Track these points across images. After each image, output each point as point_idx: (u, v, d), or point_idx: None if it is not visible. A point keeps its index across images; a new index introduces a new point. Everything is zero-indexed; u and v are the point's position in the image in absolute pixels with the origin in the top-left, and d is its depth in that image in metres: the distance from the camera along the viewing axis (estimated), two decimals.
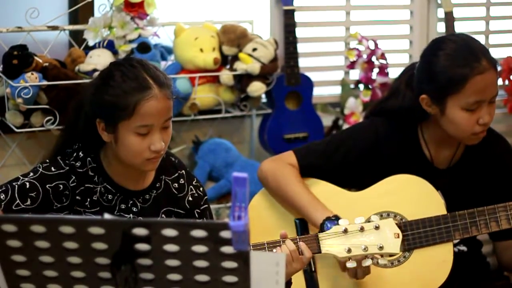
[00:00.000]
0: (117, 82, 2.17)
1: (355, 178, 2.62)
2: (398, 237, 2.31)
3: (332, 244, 2.32)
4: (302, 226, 2.53)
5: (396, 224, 2.35)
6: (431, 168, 2.62)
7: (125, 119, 2.16)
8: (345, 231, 2.31)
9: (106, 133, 2.22)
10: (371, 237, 2.30)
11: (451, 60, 2.45)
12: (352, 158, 2.60)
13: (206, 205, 2.42)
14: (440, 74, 2.46)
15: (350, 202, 2.55)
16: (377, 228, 2.30)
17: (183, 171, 2.41)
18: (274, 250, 2.31)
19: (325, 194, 2.55)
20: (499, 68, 2.53)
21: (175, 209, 2.36)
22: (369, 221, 2.33)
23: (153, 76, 2.19)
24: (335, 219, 2.41)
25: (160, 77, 2.20)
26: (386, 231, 2.31)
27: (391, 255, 2.45)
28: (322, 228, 2.41)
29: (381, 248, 2.29)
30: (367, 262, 2.32)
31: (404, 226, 2.52)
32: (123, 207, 2.31)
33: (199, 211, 2.39)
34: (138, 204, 2.32)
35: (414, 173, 2.56)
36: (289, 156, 2.63)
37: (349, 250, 2.29)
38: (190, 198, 2.39)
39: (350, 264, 2.31)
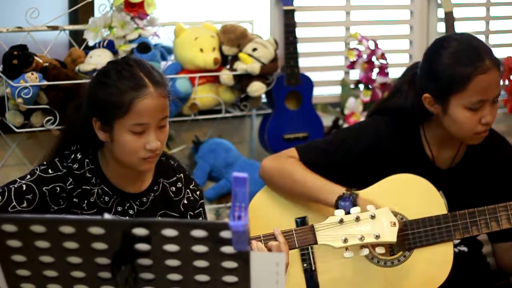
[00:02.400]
0: (113, 80, 2.18)
1: (356, 177, 2.62)
2: (395, 225, 2.31)
3: (328, 234, 2.32)
4: (303, 225, 2.53)
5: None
6: (433, 168, 2.62)
7: (120, 117, 2.16)
8: (341, 221, 2.31)
9: (102, 132, 2.23)
10: (367, 226, 2.30)
11: (454, 59, 2.46)
12: (353, 157, 2.60)
13: (201, 209, 2.41)
14: (443, 73, 2.47)
15: None
16: (373, 217, 2.31)
17: (182, 174, 2.40)
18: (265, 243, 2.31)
19: None
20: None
21: (171, 213, 2.36)
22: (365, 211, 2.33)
23: (148, 75, 2.19)
24: (347, 196, 2.42)
25: (155, 75, 2.20)
26: (382, 220, 2.31)
27: (389, 246, 2.45)
28: (337, 208, 2.41)
29: (377, 237, 2.29)
30: (364, 252, 2.32)
31: (405, 225, 2.52)
32: (119, 209, 2.30)
33: (192, 213, 2.39)
34: (135, 206, 2.32)
35: (415, 172, 2.56)
36: (291, 152, 2.64)
37: (345, 240, 2.29)
38: (186, 202, 2.38)
39: (347, 254, 2.31)
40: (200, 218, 2.41)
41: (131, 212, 2.31)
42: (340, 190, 2.47)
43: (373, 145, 2.61)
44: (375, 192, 2.56)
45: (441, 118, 2.54)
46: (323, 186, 2.50)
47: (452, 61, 2.46)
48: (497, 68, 2.46)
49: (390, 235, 2.30)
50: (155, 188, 2.35)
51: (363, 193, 2.56)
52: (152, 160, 2.23)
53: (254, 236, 2.33)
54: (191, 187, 2.40)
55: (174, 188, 2.37)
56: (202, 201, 2.43)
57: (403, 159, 2.61)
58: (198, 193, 2.41)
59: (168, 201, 2.36)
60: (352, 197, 2.43)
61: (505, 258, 2.71)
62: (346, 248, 2.31)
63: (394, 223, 2.31)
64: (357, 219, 2.30)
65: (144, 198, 2.33)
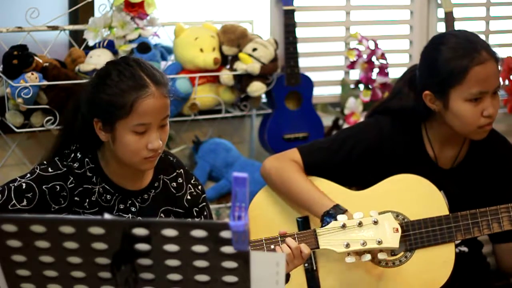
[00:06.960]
0: (114, 81, 2.18)
1: (359, 177, 2.62)
2: (397, 231, 2.31)
3: (331, 239, 2.32)
4: (304, 225, 2.54)
5: (398, 223, 2.36)
6: (435, 168, 2.62)
7: (122, 118, 2.17)
8: (344, 226, 2.31)
9: (104, 133, 2.23)
10: (370, 232, 2.30)
11: (452, 53, 2.47)
12: (356, 156, 2.61)
13: (204, 203, 2.43)
14: (442, 67, 2.48)
15: (353, 201, 2.55)
16: (375, 223, 2.31)
17: (182, 170, 2.41)
18: (272, 247, 2.32)
19: (328, 193, 2.55)
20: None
21: (174, 208, 2.37)
22: (367, 216, 2.33)
23: (150, 75, 2.20)
24: (333, 213, 2.41)
25: (156, 75, 2.21)
26: (385, 225, 2.31)
27: (391, 250, 2.45)
28: (322, 224, 2.41)
29: (379, 242, 2.29)
30: (367, 257, 2.32)
31: (406, 226, 2.52)
32: (121, 207, 2.31)
33: (197, 209, 2.40)
34: (137, 204, 2.32)
35: (417, 172, 2.56)
36: (293, 153, 2.63)
37: (347, 245, 2.30)
38: (189, 197, 2.39)
39: (349, 259, 2.31)
40: (205, 213, 2.42)
41: (133, 209, 2.32)
42: (329, 205, 2.46)
43: (375, 145, 2.61)
44: (376, 192, 2.57)
45: (443, 115, 2.54)
46: (315, 199, 2.50)
47: (450, 55, 2.47)
48: (495, 60, 2.48)
49: (393, 241, 2.31)
50: (155, 185, 2.35)
51: (364, 194, 2.56)
52: (153, 159, 2.24)
53: (255, 240, 2.33)
54: (192, 182, 2.41)
55: (175, 184, 2.38)
56: (204, 195, 2.44)
57: (405, 158, 2.61)
58: (200, 187, 2.43)
59: (170, 197, 2.37)
60: (338, 214, 2.39)
61: (506, 259, 2.71)
62: (348, 253, 2.31)
63: (397, 229, 2.31)
64: (360, 224, 2.31)
65: (145, 195, 2.34)
